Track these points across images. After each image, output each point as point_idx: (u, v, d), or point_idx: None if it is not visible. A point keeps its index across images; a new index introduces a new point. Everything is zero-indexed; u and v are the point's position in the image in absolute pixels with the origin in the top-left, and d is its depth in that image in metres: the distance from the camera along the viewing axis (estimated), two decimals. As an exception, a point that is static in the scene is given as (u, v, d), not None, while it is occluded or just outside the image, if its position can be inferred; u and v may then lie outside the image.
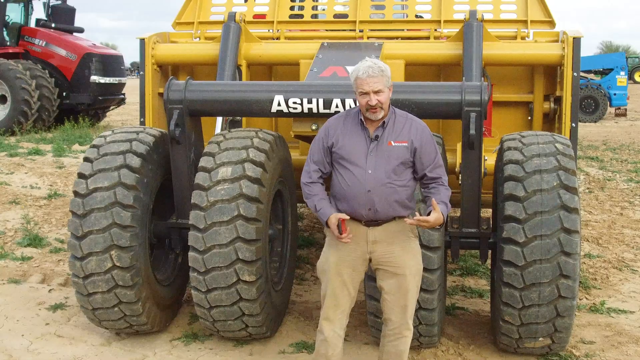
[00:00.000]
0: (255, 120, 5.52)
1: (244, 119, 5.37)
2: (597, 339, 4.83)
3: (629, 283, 6.10)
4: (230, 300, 4.27)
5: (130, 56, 48.00)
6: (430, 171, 3.55)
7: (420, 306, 4.18)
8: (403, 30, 6.34)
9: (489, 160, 4.93)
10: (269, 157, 4.43)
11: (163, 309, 4.78)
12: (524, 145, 4.31)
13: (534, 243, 4.01)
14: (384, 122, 3.53)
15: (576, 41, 5.21)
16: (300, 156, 5.29)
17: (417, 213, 3.53)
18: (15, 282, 5.91)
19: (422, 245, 4.09)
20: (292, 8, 6.41)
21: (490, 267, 5.24)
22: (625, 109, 24.43)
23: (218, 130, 5.23)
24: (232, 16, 5.52)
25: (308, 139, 4.62)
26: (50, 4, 18.82)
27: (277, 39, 6.21)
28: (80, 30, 19.44)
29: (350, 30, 6.14)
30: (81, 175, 4.40)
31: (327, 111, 4.32)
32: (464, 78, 4.69)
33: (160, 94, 5.71)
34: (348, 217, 3.47)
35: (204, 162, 4.37)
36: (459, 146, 4.75)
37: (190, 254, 4.25)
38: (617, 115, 24.28)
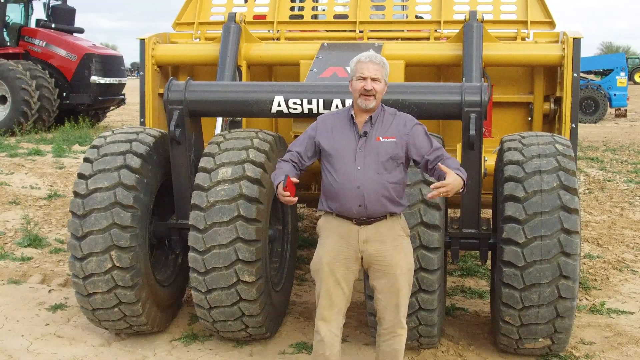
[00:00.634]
0: (256, 120, 5.52)
1: (244, 119, 5.37)
2: (597, 340, 4.83)
3: (628, 284, 6.10)
4: (230, 301, 4.27)
5: (131, 57, 48.19)
6: (430, 154, 3.55)
7: (420, 307, 4.18)
8: (403, 30, 6.33)
9: (489, 160, 4.92)
10: (269, 157, 4.44)
11: (163, 310, 4.78)
12: (524, 146, 4.31)
13: (534, 244, 4.01)
14: (371, 117, 3.55)
15: (576, 42, 5.21)
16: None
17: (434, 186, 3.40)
18: (15, 283, 5.91)
19: (422, 246, 4.10)
20: (292, 9, 6.40)
21: (490, 268, 5.24)
22: (625, 110, 24.44)
23: (218, 130, 5.24)
24: (232, 17, 5.52)
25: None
26: (51, 5, 18.82)
27: (277, 39, 6.21)
28: (81, 31, 19.45)
29: (350, 30, 6.14)
30: (81, 176, 4.40)
31: (327, 112, 4.32)
32: (464, 79, 4.69)
33: (161, 95, 5.71)
34: (297, 181, 3.46)
35: (204, 162, 4.37)
36: (459, 147, 4.74)
37: (190, 254, 4.25)
38: (617, 116, 24.28)
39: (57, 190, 9.74)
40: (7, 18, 17.60)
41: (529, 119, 5.72)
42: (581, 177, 11.38)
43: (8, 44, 17.55)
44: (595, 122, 22.47)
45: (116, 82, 18.25)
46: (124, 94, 19.05)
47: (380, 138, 3.53)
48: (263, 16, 6.46)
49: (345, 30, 6.18)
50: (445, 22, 6.02)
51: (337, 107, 4.33)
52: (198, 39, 6.25)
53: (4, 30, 17.52)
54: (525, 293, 4.05)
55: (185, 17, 6.30)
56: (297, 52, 5.57)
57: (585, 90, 22.34)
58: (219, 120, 5.31)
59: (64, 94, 17.19)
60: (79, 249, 4.29)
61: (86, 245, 4.28)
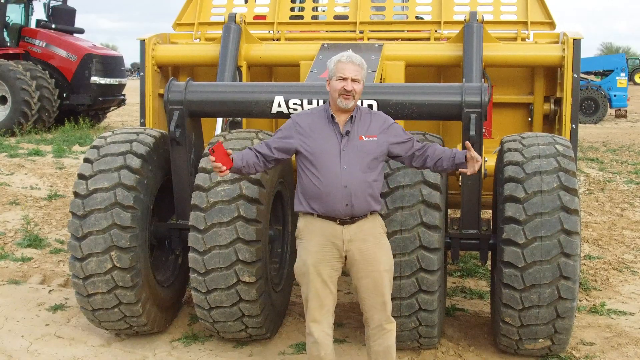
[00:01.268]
0: (256, 121, 5.52)
1: (244, 120, 5.37)
2: (597, 341, 4.82)
3: (629, 284, 6.09)
4: (230, 301, 4.27)
5: (131, 57, 48.15)
6: (414, 147, 3.67)
7: (420, 307, 4.18)
8: (403, 31, 6.33)
9: (489, 161, 4.92)
10: (269, 158, 4.43)
11: (163, 310, 4.78)
12: (524, 146, 4.31)
13: (534, 244, 4.00)
14: (352, 116, 3.58)
15: (576, 42, 5.21)
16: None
17: (468, 154, 3.57)
18: (15, 283, 5.92)
19: (422, 247, 4.10)
20: (292, 9, 6.41)
21: (490, 269, 5.24)
22: (626, 111, 24.44)
23: (218, 131, 5.24)
24: (232, 17, 5.52)
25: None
26: (51, 5, 18.83)
27: (277, 40, 6.21)
28: (81, 31, 19.46)
29: (350, 31, 6.14)
30: (81, 176, 4.40)
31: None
32: (464, 79, 4.69)
33: (161, 95, 5.71)
34: (230, 151, 3.47)
35: (204, 163, 4.37)
36: (459, 147, 4.75)
37: (190, 254, 4.25)
38: (617, 116, 24.29)
39: (57, 190, 9.75)
40: (7, 18, 17.61)
41: (529, 119, 5.72)
42: (581, 178, 11.39)
43: (8, 44, 17.57)
44: (596, 123, 22.48)
45: (116, 83, 18.26)
46: (124, 95, 19.05)
47: (363, 137, 3.57)
48: (263, 17, 6.46)
49: (345, 31, 6.19)
50: (446, 22, 6.02)
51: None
52: (198, 40, 6.25)
53: (4, 30, 17.54)
54: (526, 294, 4.05)
55: (186, 18, 6.30)
56: (298, 52, 5.58)
57: (585, 90, 22.35)
58: (219, 120, 5.31)
59: (64, 95, 17.20)
60: (79, 250, 4.29)
61: (86, 245, 4.28)
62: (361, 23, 6.12)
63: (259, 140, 4.47)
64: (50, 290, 5.75)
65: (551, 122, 5.69)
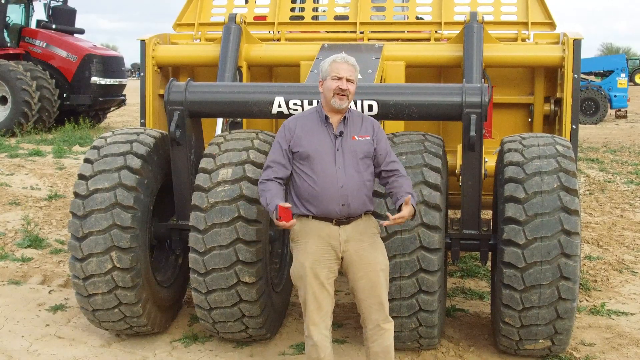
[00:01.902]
0: (256, 121, 5.52)
1: (244, 120, 5.37)
2: (597, 341, 4.82)
3: (629, 285, 6.09)
4: (231, 302, 4.27)
5: (131, 57, 48.16)
6: (386, 165, 3.65)
7: (421, 308, 4.18)
8: (404, 31, 6.34)
9: (490, 162, 4.93)
10: (270, 158, 4.43)
11: (163, 311, 4.78)
12: (524, 147, 4.31)
13: (534, 245, 4.00)
14: (345, 117, 3.59)
15: (577, 43, 5.21)
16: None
17: (388, 215, 3.54)
18: (15, 283, 5.92)
19: (423, 247, 4.10)
20: (292, 9, 6.41)
21: (490, 269, 5.24)
22: (626, 111, 24.43)
23: (218, 131, 5.24)
24: (232, 17, 5.52)
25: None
26: (51, 5, 18.83)
27: (277, 40, 6.21)
28: (81, 32, 19.46)
29: (350, 31, 6.15)
30: (81, 177, 4.40)
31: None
32: (464, 80, 4.69)
33: (161, 95, 5.72)
34: (289, 205, 3.44)
35: (204, 163, 4.37)
36: (459, 148, 4.75)
37: (191, 255, 4.25)
38: (617, 117, 24.28)
39: (58, 191, 9.75)
40: (7, 19, 17.61)
41: (530, 120, 5.72)
42: (581, 178, 11.38)
43: (9, 44, 17.57)
44: (596, 123, 22.47)
45: (116, 83, 18.26)
46: (124, 95, 19.06)
47: (356, 137, 3.59)
48: (263, 17, 6.47)
49: (345, 32, 6.19)
50: (446, 23, 6.03)
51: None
52: (198, 40, 6.26)
53: (5, 31, 17.54)
54: (526, 294, 4.05)
55: (186, 18, 6.30)
56: (298, 53, 5.58)
57: (585, 91, 22.35)
58: (220, 121, 5.31)
59: (65, 95, 17.20)
60: (79, 250, 4.29)
61: (86, 246, 4.28)
62: (361, 23, 6.12)
63: (259, 140, 4.47)
64: (50, 291, 5.75)
65: (551, 123, 5.69)
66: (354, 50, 5.47)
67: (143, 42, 5.75)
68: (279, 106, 4.34)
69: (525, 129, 5.72)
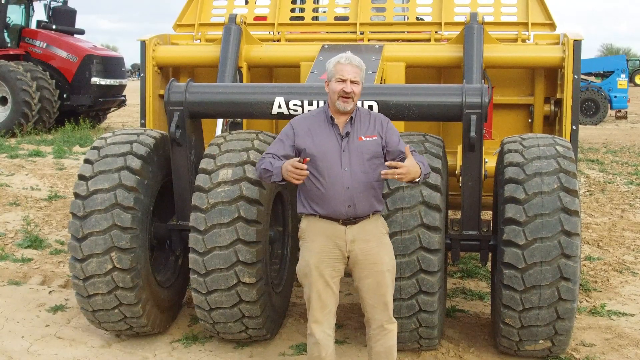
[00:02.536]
0: (256, 122, 5.53)
1: (244, 121, 5.38)
2: (597, 342, 4.82)
3: (629, 285, 6.09)
4: (231, 302, 4.27)
5: (131, 58, 48.20)
6: (399, 155, 3.56)
7: (421, 308, 4.18)
8: (404, 32, 6.34)
9: (490, 162, 4.93)
10: (270, 159, 4.43)
11: (163, 311, 4.78)
12: (524, 147, 4.31)
13: (534, 245, 4.00)
14: (351, 117, 3.57)
15: (577, 44, 5.21)
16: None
17: (387, 164, 3.44)
18: (15, 284, 5.92)
19: (423, 248, 4.10)
20: (292, 10, 6.41)
21: (490, 270, 5.24)
22: (626, 112, 24.44)
23: (218, 132, 5.24)
24: (232, 18, 5.53)
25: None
26: (51, 6, 18.85)
27: (277, 41, 6.21)
28: (81, 32, 19.47)
29: (350, 32, 6.15)
30: (82, 177, 4.40)
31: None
32: (464, 80, 4.70)
33: (161, 96, 5.72)
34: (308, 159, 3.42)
35: (204, 164, 4.37)
36: (459, 148, 4.75)
37: (191, 255, 4.25)
38: (617, 117, 24.28)
39: (58, 191, 9.75)
40: (7, 19, 17.62)
41: (530, 120, 5.72)
42: (582, 179, 11.38)
43: (9, 45, 17.58)
44: (596, 124, 22.47)
45: (117, 84, 18.27)
46: (124, 95, 19.07)
47: (363, 137, 3.56)
48: (264, 18, 6.47)
49: (345, 32, 6.19)
50: (446, 23, 6.03)
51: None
52: (199, 41, 6.26)
53: (5, 31, 17.55)
54: (526, 295, 4.05)
55: (186, 19, 6.30)
56: (298, 53, 5.58)
57: (585, 92, 22.36)
58: (220, 121, 5.31)
59: (65, 95, 17.21)
60: (80, 250, 4.29)
61: (86, 246, 4.28)
62: (362, 24, 6.12)
63: (260, 141, 4.47)
64: (50, 291, 5.75)
65: (551, 123, 5.69)
66: (354, 50, 5.46)
67: (143, 42, 5.75)
68: (279, 107, 4.34)
69: (525, 130, 5.72)
